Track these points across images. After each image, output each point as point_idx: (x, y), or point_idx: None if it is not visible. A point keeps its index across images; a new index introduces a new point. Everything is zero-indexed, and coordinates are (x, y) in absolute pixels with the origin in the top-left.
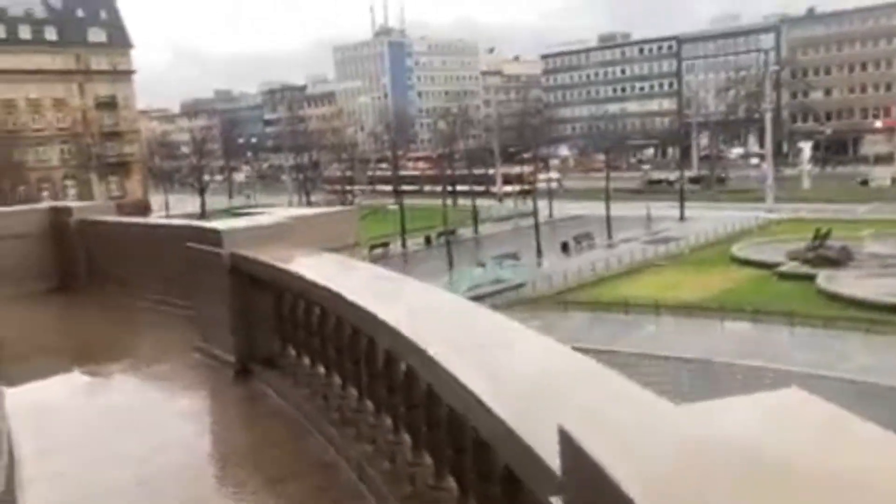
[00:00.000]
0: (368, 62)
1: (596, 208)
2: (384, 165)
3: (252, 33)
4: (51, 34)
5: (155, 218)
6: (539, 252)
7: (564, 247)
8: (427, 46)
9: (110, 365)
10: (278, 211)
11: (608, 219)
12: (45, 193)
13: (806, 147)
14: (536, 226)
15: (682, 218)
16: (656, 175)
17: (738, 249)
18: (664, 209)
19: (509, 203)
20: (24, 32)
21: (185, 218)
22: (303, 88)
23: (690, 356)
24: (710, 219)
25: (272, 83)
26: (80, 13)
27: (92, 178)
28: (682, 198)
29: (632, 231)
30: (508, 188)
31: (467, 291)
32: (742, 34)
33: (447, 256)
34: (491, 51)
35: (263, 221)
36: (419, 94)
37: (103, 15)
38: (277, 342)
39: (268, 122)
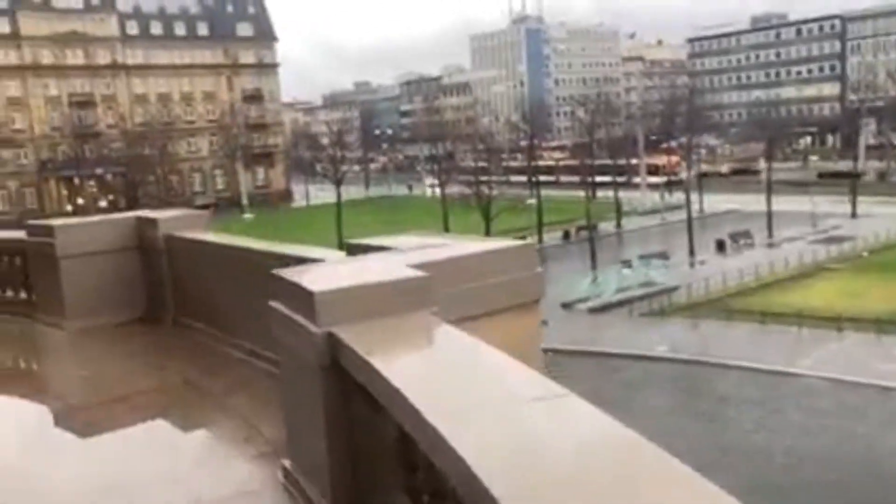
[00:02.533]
0: (505, 50)
1: (751, 202)
2: (519, 156)
3: (389, 23)
4: (203, 29)
5: (254, 241)
6: (692, 251)
7: (720, 245)
8: (566, 33)
9: (176, 437)
10: (413, 240)
11: (769, 215)
12: (196, 182)
13: None
14: (689, 221)
15: (853, 215)
16: (830, 166)
17: None
18: (830, 204)
19: (653, 195)
20: (179, 29)
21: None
22: (438, 79)
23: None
24: (886, 216)
25: (410, 74)
26: (229, 8)
27: (238, 168)
28: (854, 192)
29: (795, 228)
30: (652, 179)
31: (614, 294)
32: None
33: (589, 253)
34: (632, 36)
35: (392, 273)
36: (556, 82)
37: (251, 9)
38: (403, 498)
39: (404, 114)
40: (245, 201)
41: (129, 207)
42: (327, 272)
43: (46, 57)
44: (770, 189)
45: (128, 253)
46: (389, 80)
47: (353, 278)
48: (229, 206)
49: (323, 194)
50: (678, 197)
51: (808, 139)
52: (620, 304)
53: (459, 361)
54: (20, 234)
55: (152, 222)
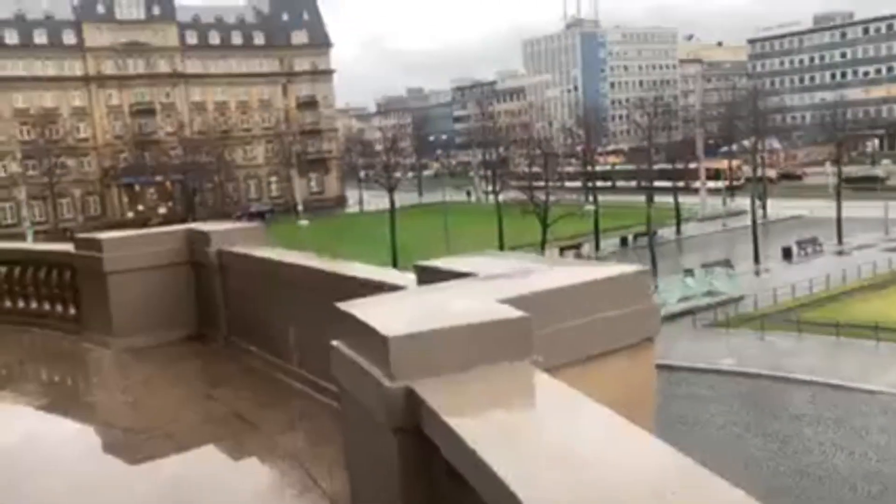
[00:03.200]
0: (559, 55)
1: (816, 208)
2: (573, 161)
3: (442, 28)
4: (259, 38)
5: (315, 259)
6: (757, 259)
7: (786, 253)
8: (621, 36)
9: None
10: (495, 264)
11: (839, 221)
12: (251, 189)
13: None
14: (754, 227)
15: None
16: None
17: None
18: None
19: (714, 201)
20: (236, 38)
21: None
22: (492, 84)
23: None
24: None
25: (462, 79)
26: (284, 17)
27: (293, 174)
28: None
29: (867, 235)
30: (712, 184)
31: (677, 304)
32: None
33: (650, 261)
34: (689, 38)
35: (484, 312)
36: (612, 86)
37: (305, 16)
38: None
39: (457, 119)
40: (300, 207)
41: (187, 214)
42: (401, 308)
43: (109, 67)
44: (840, 194)
45: (178, 268)
46: (442, 86)
47: (437, 319)
48: (284, 213)
49: (376, 200)
50: (739, 202)
51: (876, 142)
52: (683, 314)
53: (577, 434)
54: (68, 248)
55: (204, 236)
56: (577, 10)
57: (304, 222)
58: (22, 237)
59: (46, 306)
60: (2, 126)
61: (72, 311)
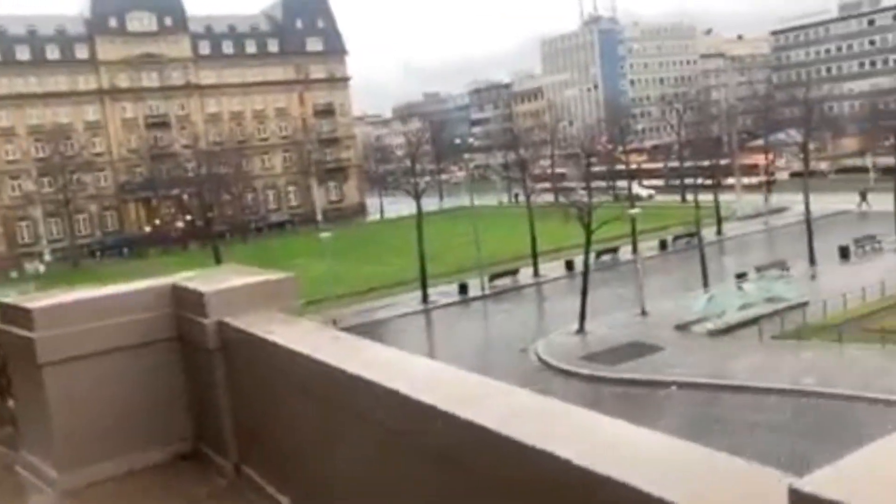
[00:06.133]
0: (577, 53)
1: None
2: (593, 160)
3: (459, 38)
4: (273, 46)
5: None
6: (812, 259)
7: (844, 252)
8: (640, 32)
9: None
10: None
11: None
12: (270, 199)
13: None
14: (808, 225)
15: None
16: None
17: None
18: None
19: (750, 198)
20: (250, 47)
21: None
22: (508, 85)
23: None
24: None
25: (479, 83)
26: (299, 24)
27: (312, 183)
28: None
29: None
30: (747, 181)
31: (738, 312)
32: None
33: (697, 265)
34: (708, 32)
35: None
36: (632, 83)
37: (320, 23)
38: None
39: (474, 122)
40: (319, 217)
41: (205, 227)
42: None
43: (123, 80)
44: None
45: (157, 350)
46: (459, 91)
47: None
48: (304, 222)
49: (396, 207)
50: (777, 199)
51: None
52: (745, 324)
53: None
54: None
55: (197, 298)
56: (594, 8)
57: (326, 234)
58: (40, 256)
59: None
60: (16, 143)
61: (6, 423)
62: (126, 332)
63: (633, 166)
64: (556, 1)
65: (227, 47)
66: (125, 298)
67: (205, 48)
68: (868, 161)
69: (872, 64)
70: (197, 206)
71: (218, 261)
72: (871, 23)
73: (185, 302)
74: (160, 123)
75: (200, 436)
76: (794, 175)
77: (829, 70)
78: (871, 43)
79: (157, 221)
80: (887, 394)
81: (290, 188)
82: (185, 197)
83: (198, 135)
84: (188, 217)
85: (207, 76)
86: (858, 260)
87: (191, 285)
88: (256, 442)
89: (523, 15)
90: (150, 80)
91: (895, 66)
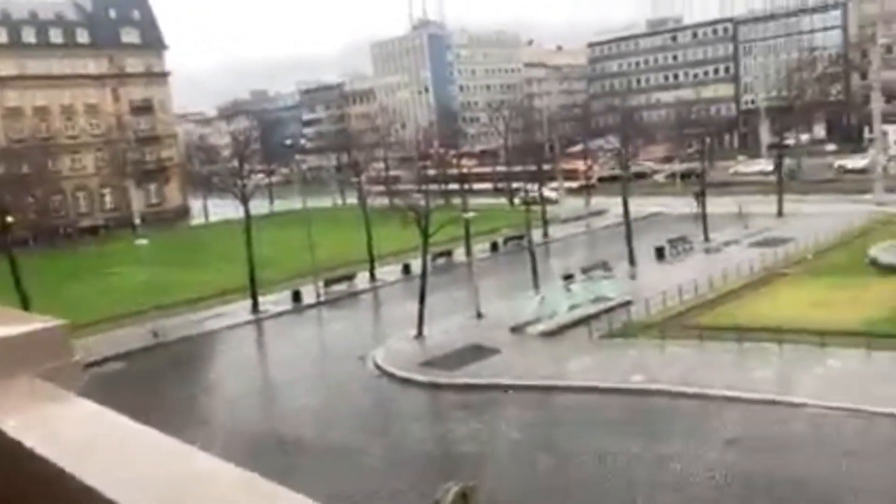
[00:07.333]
0: (408, 56)
1: (671, 204)
2: (428, 163)
3: (287, 37)
4: (83, 37)
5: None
6: (632, 260)
7: (660, 252)
8: (467, 39)
9: None
10: None
11: (704, 217)
12: (81, 202)
13: (891, 130)
14: (628, 226)
15: (780, 214)
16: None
17: (877, 252)
18: (752, 204)
19: (571, 201)
20: (56, 36)
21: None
22: (339, 86)
23: None
24: (810, 214)
25: (309, 82)
26: (112, 14)
27: (129, 185)
28: (780, 191)
29: (728, 231)
30: (568, 185)
31: (568, 313)
32: (805, 12)
33: (527, 266)
34: (530, 42)
35: None
36: (461, 88)
37: (136, 15)
38: None
39: (306, 123)
40: (137, 221)
41: (2, 234)
42: None
43: None
44: (704, 191)
45: None
46: (288, 90)
47: None
48: (120, 227)
49: (222, 210)
50: (596, 202)
51: (708, 140)
52: (575, 324)
53: None
54: None
55: None
56: (423, 12)
57: (142, 241)
58: None
59: None
60: None
61: None
62: None
63: (465, 170)
64: (384, 3)
65: (29, 35)
66: None
67: (1, 35)
68: (676, 166)
69: (675, 77)
70: None
71: (14, 273)
72: (674, 38)
73: None
74: None
75: None
76: (601, 179)
77: (638, 81)
78: (675, 58)
79: None
80: (706, 388)
81: (105, 190)
82: None
83: None
84: None
85: (6, 66)
86: (673, 259)
87: None
88: None
89: (351, 16)
90: None
91: (694, 79)
